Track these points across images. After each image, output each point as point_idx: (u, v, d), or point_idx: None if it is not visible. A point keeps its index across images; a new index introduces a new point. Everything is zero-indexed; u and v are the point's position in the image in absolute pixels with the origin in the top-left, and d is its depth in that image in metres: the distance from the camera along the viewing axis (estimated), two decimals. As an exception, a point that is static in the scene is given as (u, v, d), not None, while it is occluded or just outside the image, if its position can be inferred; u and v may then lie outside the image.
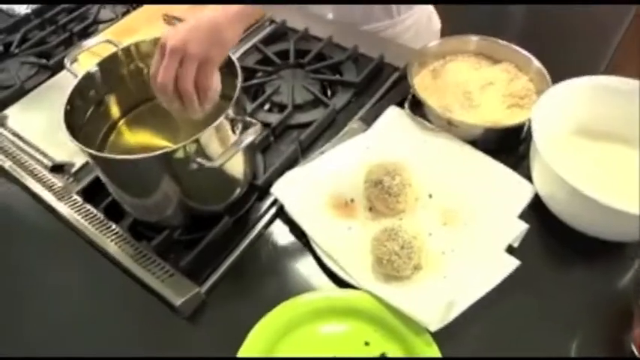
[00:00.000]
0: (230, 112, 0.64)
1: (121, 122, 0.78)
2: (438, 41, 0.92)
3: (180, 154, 0.62)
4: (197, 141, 0.62)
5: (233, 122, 0.65)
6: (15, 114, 0.99)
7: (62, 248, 0.82)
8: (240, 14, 0.65)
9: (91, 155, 0.65)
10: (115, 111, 0.78)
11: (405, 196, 0.74)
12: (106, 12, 1.22)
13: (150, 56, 0.76)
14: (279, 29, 1.07)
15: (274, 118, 0.87)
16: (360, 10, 1.08)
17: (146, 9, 1.13)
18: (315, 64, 0.98)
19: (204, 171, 0.64)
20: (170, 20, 0.73)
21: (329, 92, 0.96)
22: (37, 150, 0.91)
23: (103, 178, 0.72)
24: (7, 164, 0.92)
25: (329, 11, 1.11)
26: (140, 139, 0.75)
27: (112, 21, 1.17)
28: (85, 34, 1.16)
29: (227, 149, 0.62)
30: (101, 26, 1.17)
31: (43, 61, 1.11)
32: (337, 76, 0.96)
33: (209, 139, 0.63)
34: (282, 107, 0.92)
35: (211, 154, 0.64)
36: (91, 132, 0.75)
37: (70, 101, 0.70)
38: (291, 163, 0.83)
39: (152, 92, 0.69)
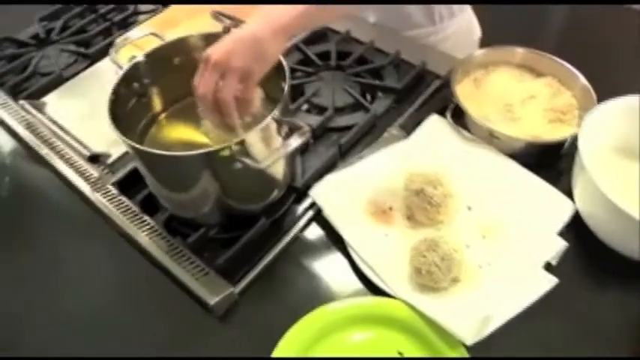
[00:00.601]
0: (277, 113, 0.63)
1: (163, 115, 0.78)
2: (482, 50, 0.91)
3: (225, 154, 0.62)
4: (243, 141, 0.61)
5: (279, 124, 0.65)
6: (53, 101, 0.99)
7: (94, 238, 0.83)
8: (284, 29, 0.65)
9: (134, 148, 0.65)
10: (157, 103, 0.78)
11: (445, 207, 0.73)
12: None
13: (196, 50, 0.77)
14: (320, 30, 1.06)
15: (314, 120, 0.86)
16: (401, 14, 1.07)
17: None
18: (356, 68, 0.97)
19: (245, 171, 0.64)
20: (218, 17, 0.73)
21: (368, 97, 0.95)
22: (74, 139, 0.90)
23: (143, 171, 0.72)
24: (44, 151, 0.93)
25: (370, 14, 1.10)
26: (180, 133, 0.74)
27: (152, 12, 1.17)
28: (125, 24, 1.16)
29: (273, 151, 0.62)
30: (141, 17, 1.17)
31: (82, 49, 1.11)
32: (378, 81, 0.95)
33: (255, 139, 0.63)
34: (321, 109, 0.91)
35: (256, 155, 0.63)
36: (132, 123, 0.75)
37: (115, 92, 0.70)
38: (329, 167, 0.82)
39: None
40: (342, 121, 0.88)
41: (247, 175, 0.66)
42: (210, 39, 0.76)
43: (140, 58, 0.74)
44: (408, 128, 0.86)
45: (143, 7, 1.20)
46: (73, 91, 1.01)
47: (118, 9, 1.21)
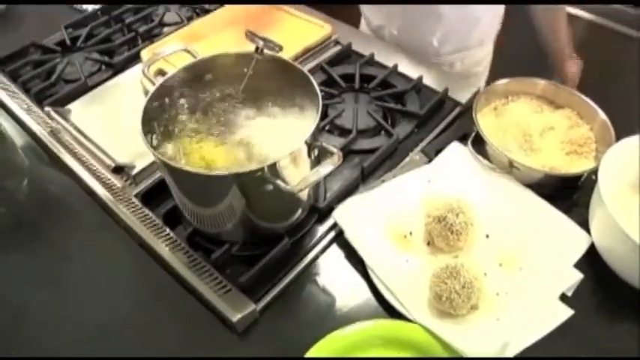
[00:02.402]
0: (309, 137, 0.64)
1: (191, 131, 0.79)
2: (504, 80, 0.92)
3: (257, 175, 0.63)
4: (275, 164, 0.62)
5: (310, 147, 0.65)
6: (78, 109, 1.00)
7: (113, 248, 0.83)
8: None
9: (166, 165, 0.65)
10: (186, 119, 0.78)
11: (466, 234, 0.74)
12: (172, 15, 1.23)
13: (227, 68, 0.78)
14: (345, 51, 1.07)
15: (337, 142, 0.87)
16: (435, 39, 1.09)
17: (213, 16, 1.15)
18: (379, 91, 0.98)
19: (273, 192, 0.64)
20: (252, 37, 0.73)
21: (389, 120, 0.96)
22: (98, 148, 0.91)
23: (171, 186, 0.73)
24: (67, 158, 0.94)
25: (395, 32, 1.13)
26: (207, 149, 0.75)
27: (177, 24, 1.18)
28: (150, 35, 1.17)
29: (305, 176, 0.63)
30: (166, 29, 1.18)
31: (106, 58, 1.12)
32: (400, 106, 0.96)
33: (286, 162, 0.63)
34: (343, 131, 0.92)
35: (286, 177, 0.64)
36: (162, 137, 0.75)
37: (147, 107, 0.71)
38: (351, 189, 0.83)
39: (224, 103, 0.70)
40: (364, 144, 0.89)
41: (274, 195, 0.66)
42: (242, 58, 0.78)
43: (172, 73, 0.75)
44: (429, 153, 0.87)
45: (168, 19, 1.21)
46: (97, 100, 1.02)
47: (143, 20, 1.23)
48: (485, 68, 1.26)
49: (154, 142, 0.73)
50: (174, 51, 0.78)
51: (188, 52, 0.79)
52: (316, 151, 0.67)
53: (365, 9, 1.28)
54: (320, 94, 0.68)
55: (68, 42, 1.17)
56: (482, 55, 1.25)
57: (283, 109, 0.78)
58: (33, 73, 1.10)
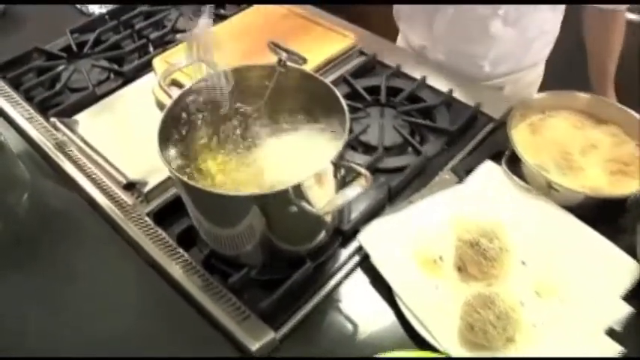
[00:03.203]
0: (335, 157, 0.67)
1: (209, 146, 0.82)
2: (542, 94, 0.95)
3: (279, 197, 0.66)
4: (299, 185, 0.65)
5: (337, 166, 0.69)
6: (85, 120, 1.04)
7: (122, 268, 0.86)
8: None
9: (184, 184, 0.69)
10: (204, 134, 0.82)
11: (500, 261, 0.76)
12: (185, 20, 1.27)
13: (247, 81, 0.81)
14: (369, 63, 1.11)
15: (361, 160, 0.91)
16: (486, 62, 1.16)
17: (230, 23, 1.19)
18: (407, 106, 1.02)
19: (297, 213, 0.67)
20: (275, 49, 0.77)
21: (417, 137, 0.99)
22: (107, 162, 0.95)
23: (188, 204, 0.76)
24: (73, 172, 0.97)
25: (442, 56, 1.17)
26: (226, 165, 0.78)
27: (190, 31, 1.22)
28: (162, 42, 1.21)
29: (333, 199, 0.66)
30: (179, 36, 1.22)
31: (115, 66, 1.17)
32: (429, 122, 0.99)
33: (311, 183, 0.66)
34: (368, 148, 0.95)
35: (310, 198, 0.67)
36: (178, 153, 0.79)
37: (164, 122, 0.74)
38: (377, 210, 0.86)
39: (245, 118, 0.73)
40: (391, 162, 0.93)
41: (297, 217, 0.70)
42: (264, 70, 0.82)
43: (190, 86, 0.79)
44: (460, 172, 0.90)
45: (181, 25, 1.26)
46: (106, 111, 1.06)
47: (155, 25, 1.27)
48: (535, 91, 1.29)
49: (171, 159, 0.76)
50: (191, 63, 0.82)
51: (207, 64, 0.82)
52: (343, 171, 0.70)
53: (404, 27, 1.32)
54: (347, 111, 0.72)
55: (74, 47, 1.22)
56: (534, 77, 1.29)
57: (307, 125, 0.81)
58: (36, 81, 1.15)
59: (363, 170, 0.65)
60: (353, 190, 0.65)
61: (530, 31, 1.17)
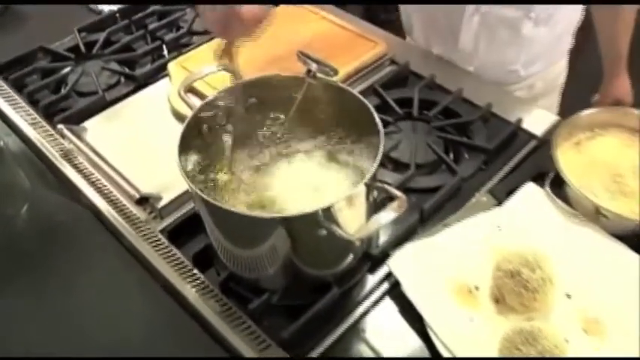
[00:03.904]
0: (369, 179, 0.69)
1: (231, 160, 0.84)
2: (590, 110, 0.96)
3: (308, 219, 0.67)
4: (329, 208, 0.66)
5: (369, 188, 0.70)
6: (94, 128, 1.07)
7: (132, 290, 0.88)
8: None
9: (207, 203, 0.70)
10: (226, 147, 0.84)
11: (543, 293, 0.77)
12: (202, 21, 1.28)
13: (275, 91, 0.83)
14: (401, 72, 1.13)
15: (392, 178, 0.92)
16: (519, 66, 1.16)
17: (248, 27, 1.21)
18: (442, 120, 1.03)
19: (325, 236, 0.69)
20: (304, 59, 0.79)
21: (452, 154, 1.00)
22: (119, 174, 0.97)
23: (208, 223, 0.78)
24: (80, 183, 0.99)
25: (472, 68, 1.19)
26: (249, 181, 0.80)
27: (208, 33, 1.23)
28: (177, 45, 1.24)
29: (367, 224, 0.67)
30: (195, 38, 1.25)
31: (126, 69, 1.20)
32: (466, 139, 1.01)
33: (342, 205, 0.68)
34: (399, 165, 0.97)
35: (340, 221, 0.68)
36: (199, 168, 0.81)
37: (184, 134, 0.76)
38: (409, 233, 0.88)
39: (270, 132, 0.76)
40: (423, 181, 0.94)
41: (325, 240, 0.71)
42: (292, 81, 0.83)
43: (212, 97, 0.81)
44: (499, 195, 0.92)
45: (198, 27, 1.28)
46: (117, 118, 1.09)
47: (169, 26, 1.30)
48: (562, 82, 1.31)
49: (190, 173, 0.78)
50: (213, 71, 0.84)
51: (229, 71, 0.84)
52: (375, 193, 0.72)
53: (421, 43, 1.32)
54: (382, 128, 0.74)
55: (82, 48, 1.25)
56: (562, 68, 1.31)
57: (336, 141, 0.83)
58: (41, 83, 1.18)
59: (398, 193, 0.67)
60: (387, 215, 0.66)
61: (560, 26, 1.19)
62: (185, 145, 0.77)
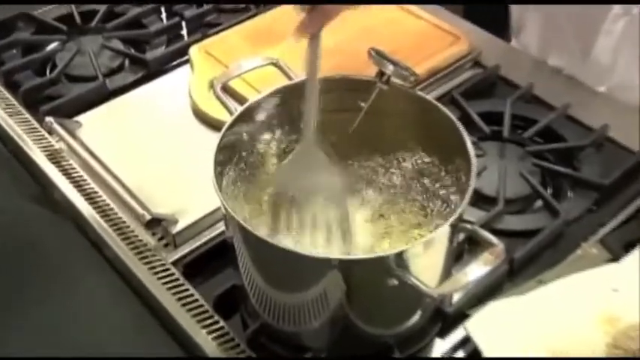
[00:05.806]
0: (456, 217, 0.71)
1: (272, 176, 0.87)
2: None
3: (375, 265, 0.70)
4: (402, 253, 0.68)
5: (455, 229, 0.73)
6: (91, 123, 1.09)
7: (132, 336, 0.88)
8: None
9: (253, 237, 0.71)
10: (267, 160, 0.87)
11: (671, 380, 0.79)
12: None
13: (335, 92, 0.85)
14: (489, 78, 1.15)
15: (473, 215, 0.94)
16: None
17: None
18: (541, 144, 1.05)
19: (393, 287, 0.70)
20: (378, 58, 0.80)
21: (551, 189, 1.02)
22: (122, 186, 0.99)
23: (243, 260, 0.79)
24: (70, 192, 1.01)
25: (600, 83, 1.20)
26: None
27: (240, 12, 1.27)
28: (200, 24, 1.27)
29: (454, 278, 0.69)
30: (223, 17, 1.27)
31: (133, 51, 1.22)
32: (571, 170, 1.01)
33: (419, 250, 0.70)
34: (482, 198, 0.98)
35: (415, 270, 0.70)
36: (234, 185, 0.84)
37: (222, 146, 0.78)
38: (493, 289, 0.89)
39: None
40: (513, 222, 0.96)
41: (390, 291, 0.72)
42: (357, 85, 0.85)
43: (256, 99, 0.83)
44: (614, 247, 0.92)
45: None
46: (121, 113, 1.12)
47: (192, -1, 1.30)
48: None
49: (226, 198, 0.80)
50: (257, 66, 0.86)
51: (277, 66, 0.87)
52: (461, 236, 0.74)
53: (535, 52, 1.33)
54: (474, 156, 0.75)
55: (77, 19, 1.27)
56: None
57: (411, 164, 0.86)
58: (22, 62, 1.20)
59: (494, 240, 0.68)
60: (479, 269, 0.67)
61: None
62: (221, 160, 0.78)
